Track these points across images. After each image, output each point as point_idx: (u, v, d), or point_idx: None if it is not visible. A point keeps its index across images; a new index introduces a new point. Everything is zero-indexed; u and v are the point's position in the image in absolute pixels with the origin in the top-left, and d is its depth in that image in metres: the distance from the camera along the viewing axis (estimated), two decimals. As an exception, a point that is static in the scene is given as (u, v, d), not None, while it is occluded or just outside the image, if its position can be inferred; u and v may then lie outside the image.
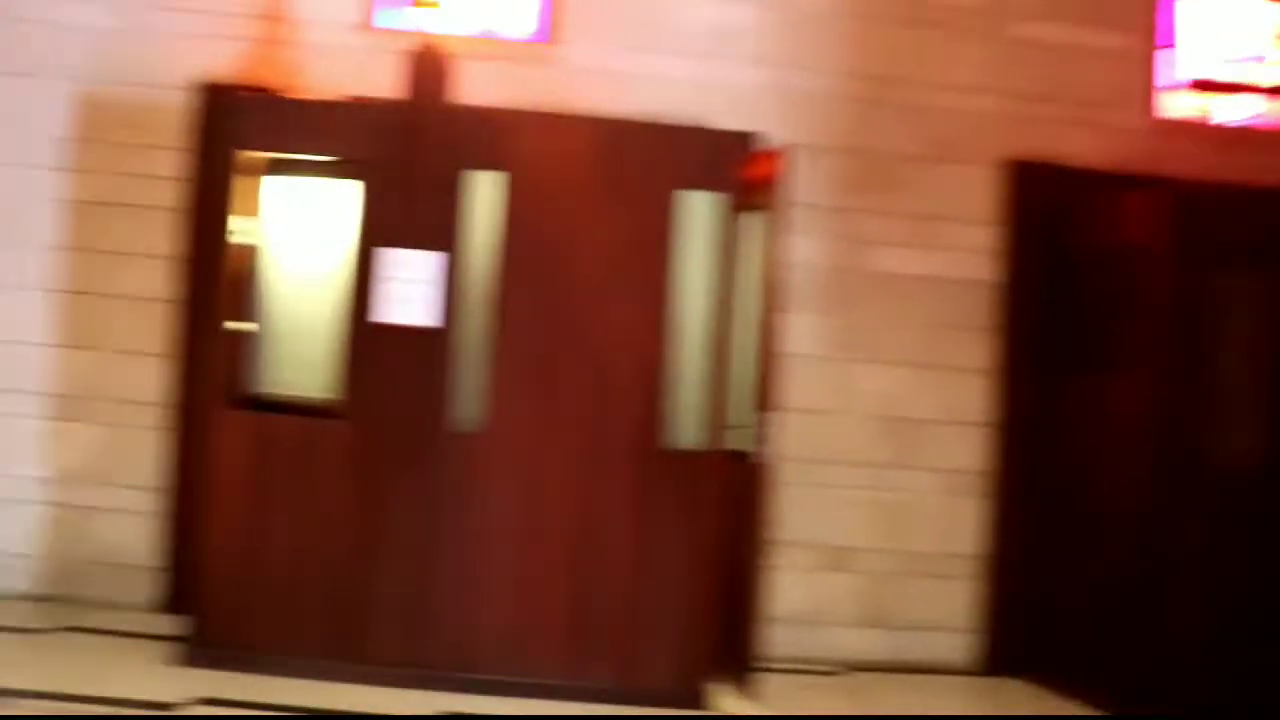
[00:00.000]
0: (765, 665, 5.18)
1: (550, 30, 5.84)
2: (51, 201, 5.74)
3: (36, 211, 5.73)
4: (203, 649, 4.77)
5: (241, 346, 5.09)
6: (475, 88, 5.16)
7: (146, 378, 5.70)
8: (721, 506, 4.91)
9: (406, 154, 4.84)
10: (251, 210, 5.09)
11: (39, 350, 5.73)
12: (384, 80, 5.29)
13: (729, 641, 5.05)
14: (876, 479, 6.01)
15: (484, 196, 4.89)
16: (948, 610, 6.00)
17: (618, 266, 4.89)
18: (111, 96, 5.74)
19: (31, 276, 5.73)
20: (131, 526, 5.69)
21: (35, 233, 5.73)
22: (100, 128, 5.74)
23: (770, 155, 5.18)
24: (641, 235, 4.90)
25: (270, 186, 5.15)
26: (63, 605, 5.56)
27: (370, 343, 4.82)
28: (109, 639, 5.16)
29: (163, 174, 5.68)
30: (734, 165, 4.97)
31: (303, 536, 4.83)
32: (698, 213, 4.99)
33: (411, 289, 4.79)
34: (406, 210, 4.83)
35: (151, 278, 5.70)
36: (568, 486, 4.86)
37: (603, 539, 4.87)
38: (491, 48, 5.76)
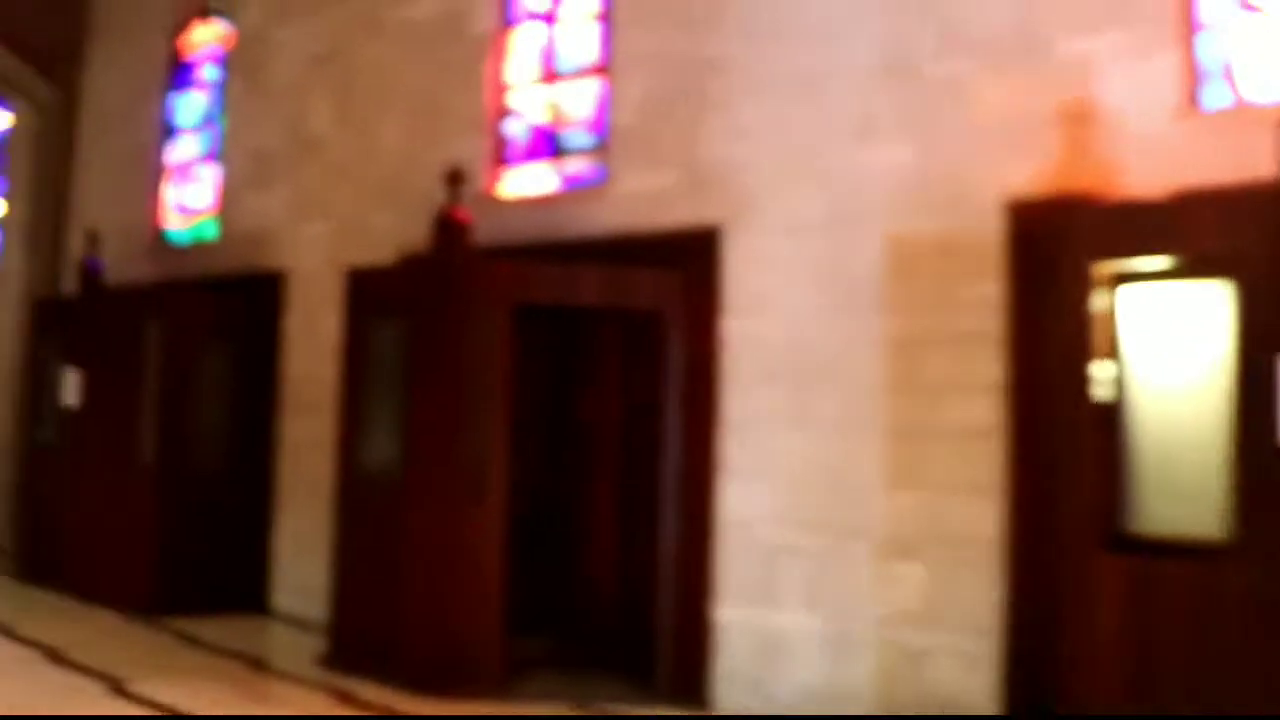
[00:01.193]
0: None
1: None
2: (872, 343, 5.82)
3: (860, 354, 5.85)
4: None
5: (1101, 479, 4.61)
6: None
7: (976, 515, 5.43)
8: None
9: (1289, 242, 4.14)
10: (1092, 327, 4.67)
11: (868, 491, 5.76)
12: (1217, 165, 4.67)
13: None
14: None
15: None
16: None
17: None
18: (920, 231, 5.71)
19: (858, 418, 5.82)
20: (964, 669, 5.41)
21: (859, 375, 5.84)
22: (911, 263, 5.72)
23: None
24: None
25: (1116, 299, 4.70)
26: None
27: (1269, 467, 4.11)
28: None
29: (978, 301, 5.46)
30: None
31: (1198, 694, 4.20)
32: None
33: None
34: (1298, 308, 4.11)
35: (974, 410, 5.46)
36: None
37: None
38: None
